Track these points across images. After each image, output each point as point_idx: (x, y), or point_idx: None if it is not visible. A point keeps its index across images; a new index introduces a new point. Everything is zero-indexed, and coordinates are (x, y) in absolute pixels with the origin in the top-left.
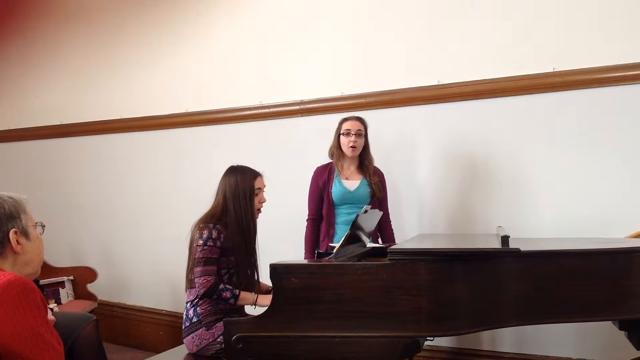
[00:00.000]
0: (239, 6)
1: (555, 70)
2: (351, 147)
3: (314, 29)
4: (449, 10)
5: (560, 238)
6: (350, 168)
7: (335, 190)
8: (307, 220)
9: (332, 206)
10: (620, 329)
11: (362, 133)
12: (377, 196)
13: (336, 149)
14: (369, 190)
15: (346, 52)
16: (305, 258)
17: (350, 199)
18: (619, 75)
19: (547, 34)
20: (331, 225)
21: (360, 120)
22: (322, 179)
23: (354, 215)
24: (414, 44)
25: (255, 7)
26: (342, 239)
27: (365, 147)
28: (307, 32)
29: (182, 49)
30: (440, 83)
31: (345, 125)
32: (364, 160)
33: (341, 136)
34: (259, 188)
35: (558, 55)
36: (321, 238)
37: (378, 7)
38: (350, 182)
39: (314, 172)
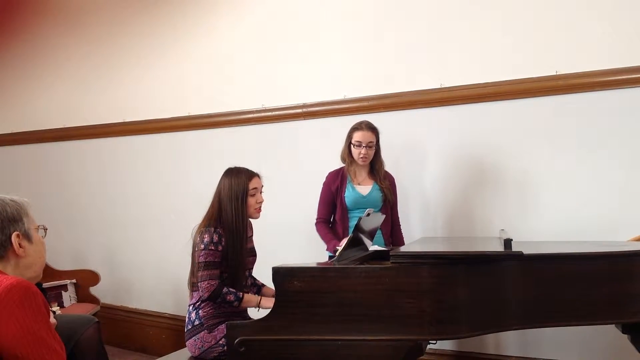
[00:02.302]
0: (240, 9)
1: (557, 73)
2: (362, 158)
3: (316, 32)
4: (451, 14)
5: (563, 241)
6: (362, 174)
7: (349, 195)
8: (315, 223)
9: (345, 211)
10: (623, 332)
11: (373, 144)
12: (389, 200)
13: (347, 156)
14: (381, 194)
15: (349, 55)
16: (332, 246)
17: (363, 204)
18: (622, 79)
19: (549, 37)
20: (345, 229)
21: (372, 130)
22: (335, 184)
23: None
24: (416, 47)
25: (257, 9)
26: (345, 242)
27: (377, 152)
28: (310, 35)
29: (183, 52)
30: (442, 86)
31: (356, 137)
32: (374, 165)
33: (352, 145)
34: (255, 188)
35: (560, 58)
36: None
37: (381, 10)
38: (363, 187)
39: (327, 177)
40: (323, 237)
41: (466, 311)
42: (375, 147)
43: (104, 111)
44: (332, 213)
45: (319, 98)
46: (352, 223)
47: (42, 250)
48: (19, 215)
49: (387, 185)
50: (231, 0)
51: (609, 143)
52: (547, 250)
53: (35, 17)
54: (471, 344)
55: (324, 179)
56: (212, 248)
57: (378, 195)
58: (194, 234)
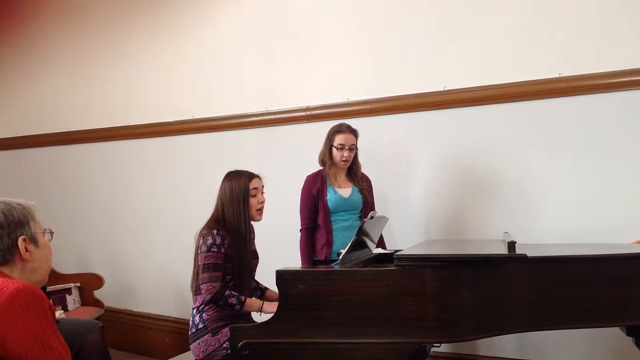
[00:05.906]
0: (243, 11)
1: (561, 75)
2: (344, 161)
3: (319, 35)
4: (454, 16)
5: (567, 244)
6: (341, 176)
7: (331, 198)
8: (300, 230)
9: (328, 214)
10: (628, 334)
11: (355, 146)
12: (368, 201)
13: (328, 159)
14: (361, 196)
15: (352, 58)
16: (305, 266)
17: (345, 206)
18: (625, 81)
19: (553, 39)
20: (329, 232)
21: (353, 133)
22: (316, 187)
23: (350, 222)
24: (419, 49)
25: (259, 12)
26: (348, 245)
27: (355, 154)
28: (312, 38)
29: (187, 55)
30: (446, 89)
31: (339, 139)
32: (352, 167)
33: (333, 148)
34: (256, 188)
35: (564, 60)
36: (319, 247)
37: (384, 13)
38: (344, 189)
39: (306, 181)
40: (301, 252)
41: (470, 314)
42: (356, 150)
43: (107, 115)
44: (315, 217)
45: (322, 101)
46: (336, 226)
47: (48, 254)
48: (26, 219)
49: (365, 187)
50: (233, 2)
51: (614, 145)
52: (551, 252)
53: (39, 21)
54: (472, 347)
55: None
56: (215, 250)
57: (358, 197)
58: (197, 236)
